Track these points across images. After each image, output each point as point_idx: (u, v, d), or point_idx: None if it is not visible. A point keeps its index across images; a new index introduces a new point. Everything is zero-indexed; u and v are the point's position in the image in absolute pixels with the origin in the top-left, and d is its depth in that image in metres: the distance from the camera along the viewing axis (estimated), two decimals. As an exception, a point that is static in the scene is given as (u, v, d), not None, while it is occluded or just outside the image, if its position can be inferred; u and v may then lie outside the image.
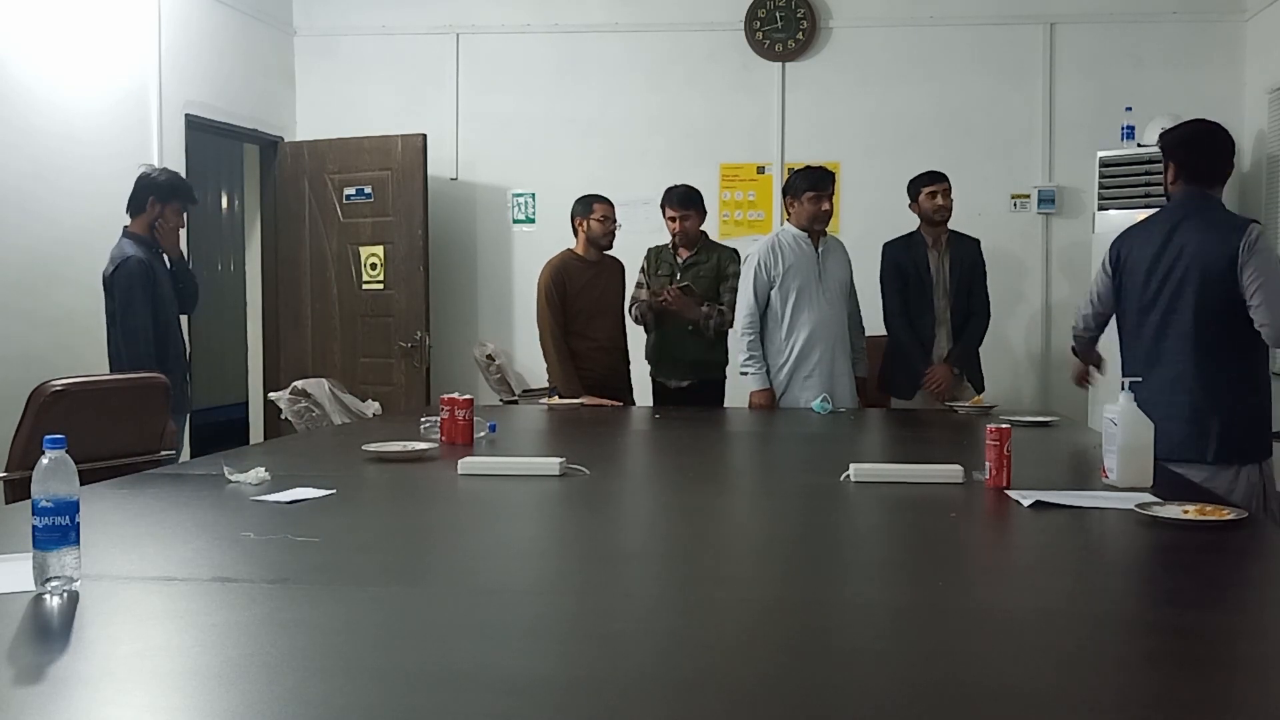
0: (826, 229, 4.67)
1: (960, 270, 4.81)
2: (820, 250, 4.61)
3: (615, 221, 4.86)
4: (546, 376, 4.91)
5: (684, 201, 4.83)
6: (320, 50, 6.48)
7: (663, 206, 4.92)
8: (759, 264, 4.57)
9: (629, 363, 4.98)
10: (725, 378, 4.92)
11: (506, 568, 1.98)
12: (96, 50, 4.87)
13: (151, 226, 4.27)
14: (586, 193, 4.92)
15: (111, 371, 4.23)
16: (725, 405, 4.88)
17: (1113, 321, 3.55)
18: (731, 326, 4.72)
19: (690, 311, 4.76)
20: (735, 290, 4.71)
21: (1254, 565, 1.96)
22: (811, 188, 4.54)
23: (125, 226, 4.29)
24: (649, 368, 4.98)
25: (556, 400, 4.56)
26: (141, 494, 2.60)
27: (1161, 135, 3.47)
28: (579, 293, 4.78)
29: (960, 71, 6.10)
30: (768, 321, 4.58)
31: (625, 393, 4.92)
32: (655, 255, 5.01)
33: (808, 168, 4.71)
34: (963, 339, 4.80)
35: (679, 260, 4.89)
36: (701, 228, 4.93)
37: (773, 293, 4.56)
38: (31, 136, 4.46)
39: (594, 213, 4.81)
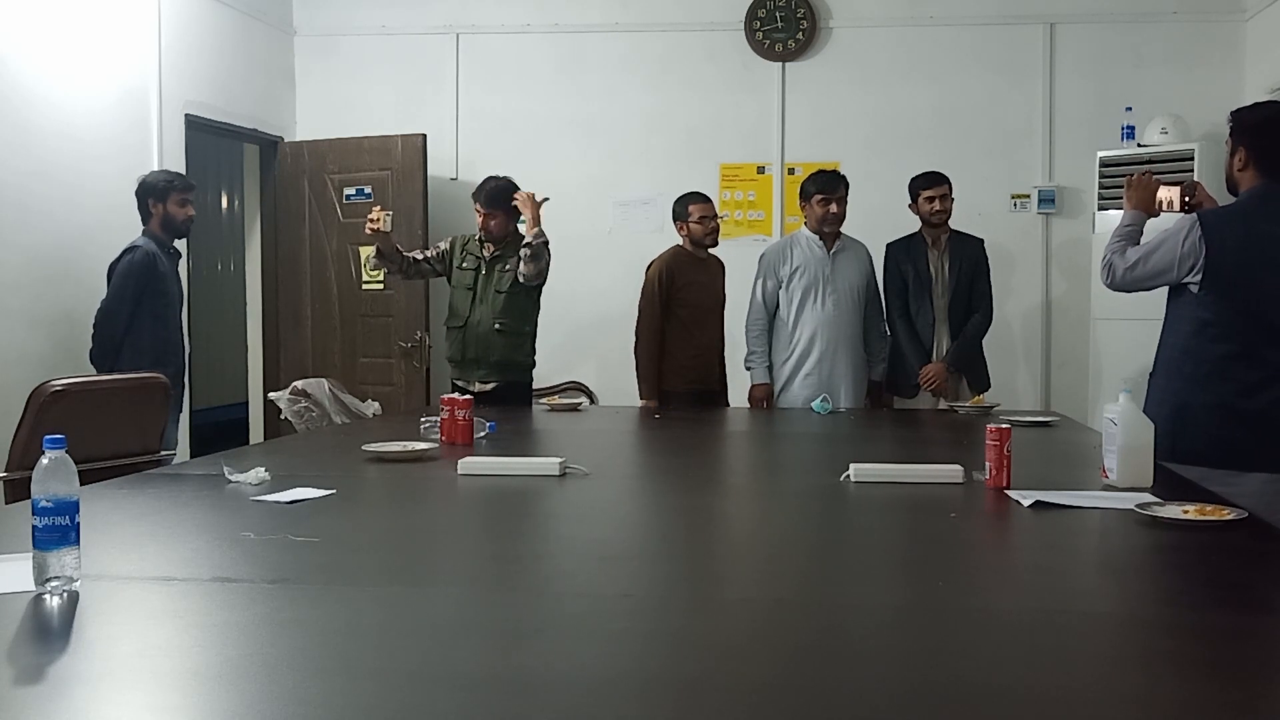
0: (841, 231, 4.74)
1: (960, 269, 4.82)
2: (833, 252, 4.68)
3: (716, 219, 4.80)
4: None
5: (490, 200, 4.64)
6: (320, 50, 6.48)
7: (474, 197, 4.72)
8: (768, 266, 4.74)
9: (724, 363, 4.90)
10: (531, 380, 4.78)
11: (506, 568, 1.98)
12: (96, 50, 4.87)
13: (164, 224, 4.50)
14: (683, 192, 4.85)
15: (92, 361, 4.28)
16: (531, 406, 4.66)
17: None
18: (538, 275, 4.58)
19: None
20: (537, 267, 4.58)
21: (1254, 565, 1.96)
22: (820, 190, 4.70)
23: (145, 227, 4.51)
24: (450, 370, 4.75)
25: (556, 400, 4.56)
26: (141, 494, 2.60)
27: (1234, 113, 3.14)
28: (686, 285, 4.71)
29: (960, 71, 6.10)
30: (777, 320, 4.72)
31: (720, 393, 4.87)
32: (461, 244, 4.75)
33: (819, 171, 4.86)
34: (960, 336, 4.80)
35: (485, 254, 4.67)
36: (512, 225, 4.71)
37: (781, 293, 4.70)
38: (31, 136, 4.46)
39: (690, 215, 4.75)
